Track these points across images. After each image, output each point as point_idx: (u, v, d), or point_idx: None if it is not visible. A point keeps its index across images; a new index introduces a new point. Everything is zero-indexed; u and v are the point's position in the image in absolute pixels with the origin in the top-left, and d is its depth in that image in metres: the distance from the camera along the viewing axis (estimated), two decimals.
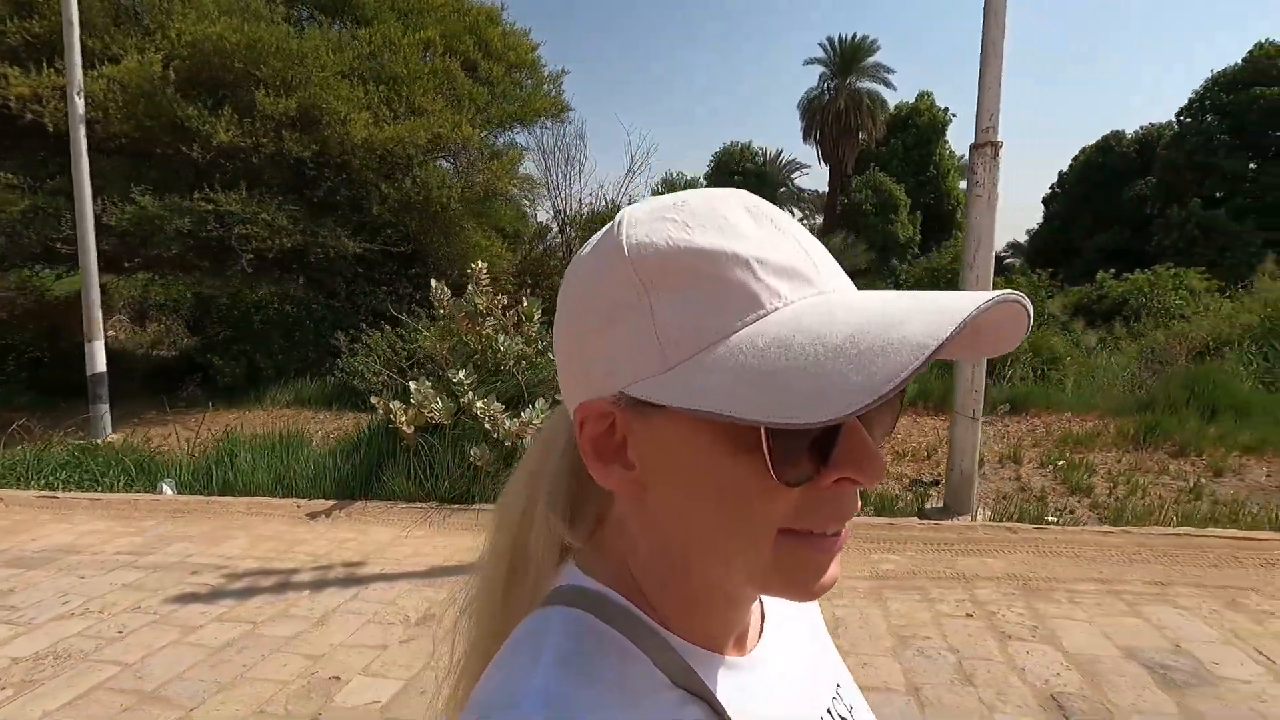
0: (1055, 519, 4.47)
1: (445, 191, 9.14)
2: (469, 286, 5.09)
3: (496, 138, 12.21)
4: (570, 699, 0.36)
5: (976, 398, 4.19)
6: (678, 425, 0.36)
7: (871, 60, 31.65)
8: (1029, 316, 0.36)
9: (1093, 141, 32.41)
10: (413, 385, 4.53)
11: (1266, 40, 24.49)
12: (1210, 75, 25.67)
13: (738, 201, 0.39)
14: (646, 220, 0.38)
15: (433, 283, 5.12)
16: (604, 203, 12.51)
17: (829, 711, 0.47)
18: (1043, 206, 35.57)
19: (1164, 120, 28.20)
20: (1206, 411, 6.64)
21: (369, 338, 7.31)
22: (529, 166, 13.09)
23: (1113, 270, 16.87)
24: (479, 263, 5.09)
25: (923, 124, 32.74)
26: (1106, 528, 3.98)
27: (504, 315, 5.14)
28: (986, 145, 4.02)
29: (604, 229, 0.40)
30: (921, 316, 0.32)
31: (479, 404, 4.47)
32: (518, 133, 13.07)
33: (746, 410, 0.32)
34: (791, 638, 0.50)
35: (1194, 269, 15.86)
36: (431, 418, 4.53)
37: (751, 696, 0.42)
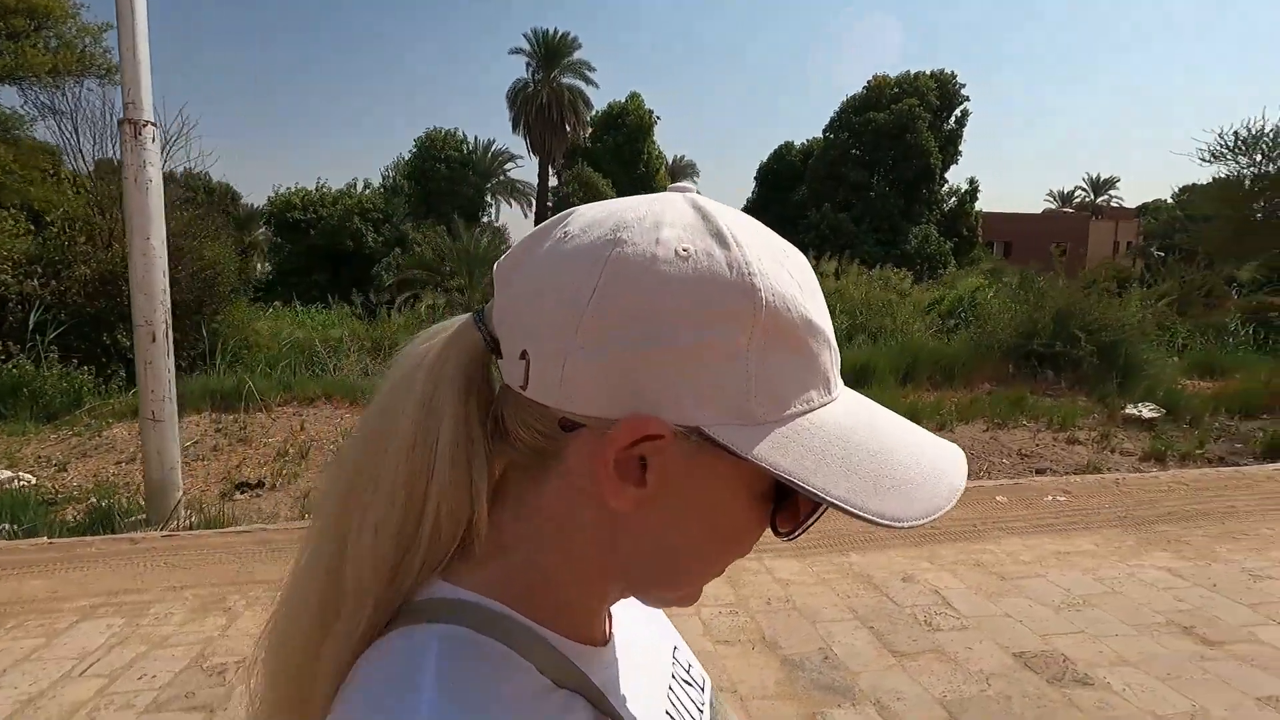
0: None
1: None
2: None
3: None
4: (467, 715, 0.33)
5: (159, 400, 3.88)
6: (720, 468, 0.36)
7: (575, 57, 32.46)
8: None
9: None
10: None
11: (881, 73, 29.35)
12: (844, 99, 30.19)
13: (811, 269, 0.40)
14: (770, 264, 0.36)
15: None
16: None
17: (673, 676, 0.50)
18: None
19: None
20: None
21: None
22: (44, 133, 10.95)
23: None
24: None
25: (632, 123, 34.41)
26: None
27: None
28: (128, 123, 3.67)
29: (703, 228, 0.37)
30: (948, 465, 0.40)
31: None
32: (34, 90, 10.89)
33: (837, 491, 0.35)
34: (628, 614, 0.49)
35: None
36: None
37: (621, 679, 0.43)
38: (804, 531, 0.40)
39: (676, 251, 0.35)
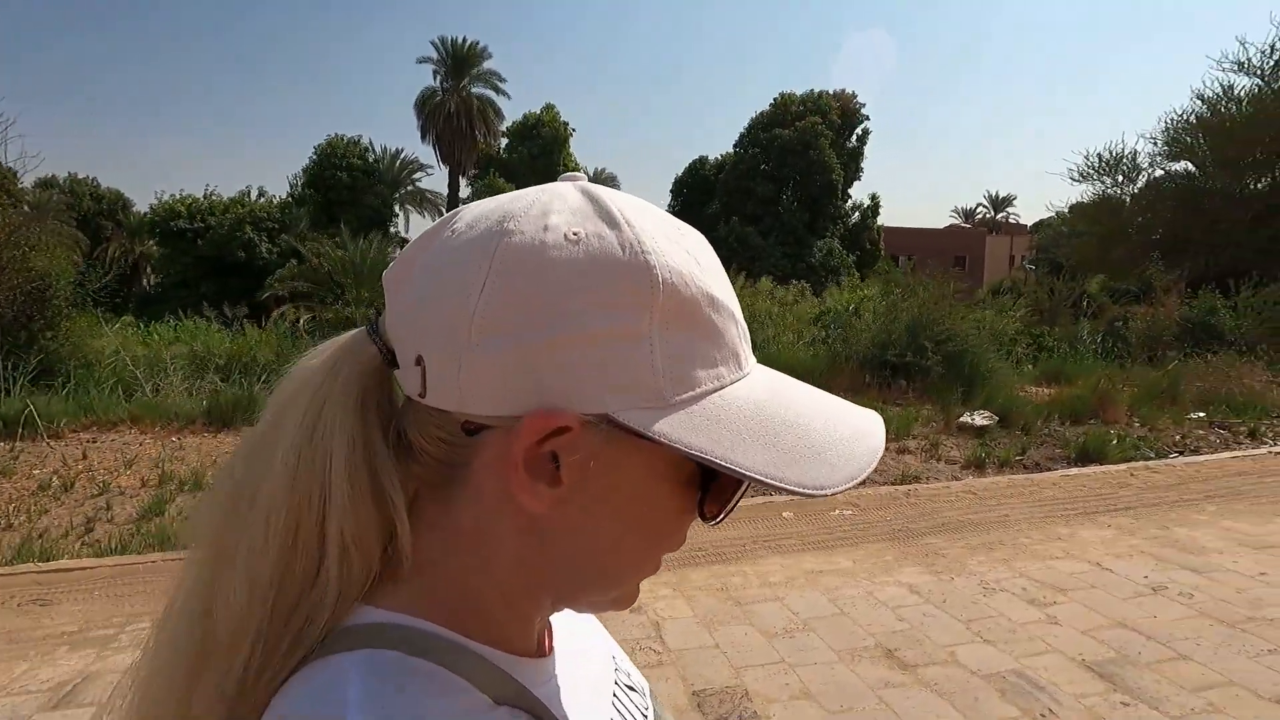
0: None
1: None
2: None
3: None
4: None
5: None
6: (636, 457, 0.35)
7: (486, 67, 32.02)
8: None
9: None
10: None
11: (786, 92, 30.17)
12: (753, 115, 30.86)
13: (709, 249, 0.39)
14: (665, 242, 0.36)
15: None
16: None
17: (616, 684, 0.48)
18: None
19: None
20: None
21: None
22: None
23: None
24: None
25: (547, 134, 34.22)
26: None
27: None
28: None
29: (593, 212, 0.36)
30: (866, 427, 0.39)
31: None
32: None
33: (756, 465, 0.34)
34: (566, 623, 0.47)
35: None
36: None
37: (565, 691, 0.41)
38: (729, 513, 0.39)
39: (566, 236, 0.34)
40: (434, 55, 30.81)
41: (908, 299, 9.64)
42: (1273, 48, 16.59)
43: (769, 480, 0.33)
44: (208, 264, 25.22)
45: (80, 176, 37.62)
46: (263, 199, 27.48)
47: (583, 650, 0.48)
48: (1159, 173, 19.77)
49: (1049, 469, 6.04)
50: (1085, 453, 6.50)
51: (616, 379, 0.33)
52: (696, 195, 34.51)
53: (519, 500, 0.34)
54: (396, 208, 31.71)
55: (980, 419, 7.43)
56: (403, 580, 0.37)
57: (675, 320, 0.34)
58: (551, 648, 0.43)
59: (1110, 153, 19.77)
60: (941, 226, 44.26)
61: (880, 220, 31.18)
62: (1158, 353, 11.30)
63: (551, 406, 0.33)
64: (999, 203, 59.06)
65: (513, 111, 33.33)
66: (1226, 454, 5.92)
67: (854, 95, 29.84)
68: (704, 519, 0.38)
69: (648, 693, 0.51)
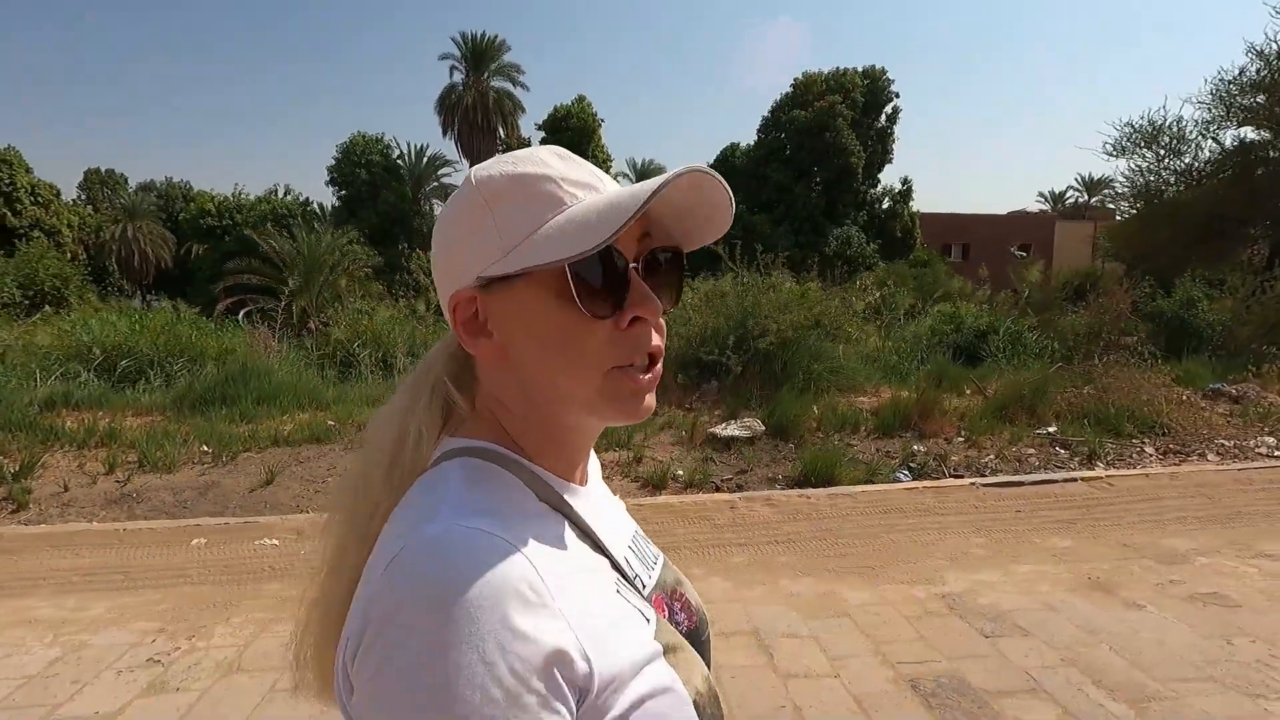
0: None
1: None
2: None
3: None
4: (478, 502, 0.49)
5: None
6: (521, 294, 0.52)
7: (506, 59, 32.10)
8: (729, 195, 0.55)
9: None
10: None
11: (813, 70, 28.25)
12: (777, 98, 29.14)
13: (549, 150, 0.55)
14: (488, 165, 0.54)
15: None
16: None
17: (635, 533, 0.66)
18: None
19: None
20: None
21: None
22: None
23: None
24: None
25: (575, 126, 33.94)
26: None
27: None
28: None
29: (465, 188, 0.55)
30: (647, 185, 0.48)
31: None
32: None
33: (548, 257, 0.48)
34: (601, 484, 0.69)
35: None
36: None
37: (593, 513, 0.58)
38: (621, 303, 0.52)
39: (451, 201, 0.56)
40: (455, 51, 31.18)
41: (750, 290, 8.42)
42: None
43: (567, 256, 0.47)
44: (235, 259, 26.78)
45: (175, 180, 41.12)
46: (289, 196, 28.85)
47: (612, 500, 0.68)
48: (1210, 142, 16.63)
49: (758, 490, 4.93)
50: (809, 473, 5.31)
51: (479, 255, 0.52)
52: (728, 183, 33.17)
53: (477, 352, 0.56)
54: (425, 204, 32.44)
55: (734, 429, 6.27)
56: (476, 420, 0.58)
57: (499, 201, 0.52)
58: (587, 483, 0.62)
59: (1150, 122, 16.89)
60: (1005, 212, 40.30)
61: (915, 206, 28.63)
62: (1098, 353, 9.40)
63: (454, 290, 0.54)
64: (1093, 185, 53.11)
65: (543, 103, 33.19)
66: (926, 482, 4.60)
67: (884, 71, 27.50)
68: (589, 315, 0.51)
69: (661, 557, 0.67)
